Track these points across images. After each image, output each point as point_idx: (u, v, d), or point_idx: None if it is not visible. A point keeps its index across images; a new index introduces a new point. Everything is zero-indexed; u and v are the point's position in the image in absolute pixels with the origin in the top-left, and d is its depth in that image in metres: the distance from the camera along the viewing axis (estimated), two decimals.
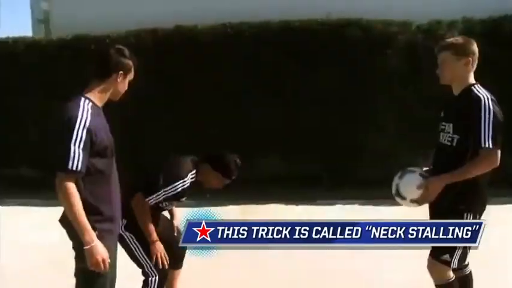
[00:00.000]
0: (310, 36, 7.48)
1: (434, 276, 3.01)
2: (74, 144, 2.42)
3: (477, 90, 2.90)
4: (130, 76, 2.72)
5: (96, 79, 2.63)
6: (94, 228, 2.50)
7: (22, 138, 8.49)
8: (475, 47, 2.96)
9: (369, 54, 7.36)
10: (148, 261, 3.28)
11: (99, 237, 2.51)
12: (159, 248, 3.25)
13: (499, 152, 2.80)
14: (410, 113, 7.35)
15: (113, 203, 2.67)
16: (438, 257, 2.94)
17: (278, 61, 7.55)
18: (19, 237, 5.64)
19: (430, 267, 3.00)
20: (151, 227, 3.25)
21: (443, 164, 2.95)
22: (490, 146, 2.75)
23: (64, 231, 2.64)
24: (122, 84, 2.68)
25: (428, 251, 3.03)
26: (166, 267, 3.31)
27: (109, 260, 2.55)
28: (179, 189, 3.28)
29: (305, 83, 7.56)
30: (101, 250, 2.50)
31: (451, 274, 2.98)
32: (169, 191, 3.27)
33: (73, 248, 2.61)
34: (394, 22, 7.48)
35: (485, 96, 2.84)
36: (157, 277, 3.30)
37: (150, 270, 3.30)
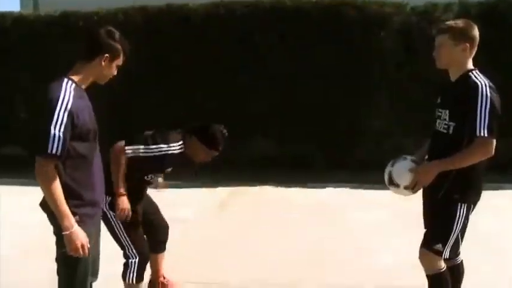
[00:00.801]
0: (304, 16, 7.35)
1: (425, 265, 2.94)
2: (54, 128, 2.31)
3: (475, 77, 2.77)
4: (119, 61, 2.56)
5: (81, 60, 2.50)
6: (74, 213, 2.42)
7: (11, 117, 8.34)
8: (475, 32, 2.81)
9: (364, 34, 7.26)
10: (130, 243, 3.21)
11: (80, 222, 2.44)
12: (123, 203, 3.12)
13: (495, 141, 2.69)
14: (405, 95, 7.28)
15: (95, 187, 2.58)
16: (431, 246, 2.86)
17: (269, 40, 7.42)
18: (3, 218, 5.54)
19: (421, 257, 2.93)
20: (122, 179, 3.12)
21: (439, 152, 2.85)
22: (486, 134, 2.64)
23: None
24: (108, 68, 2.53)
25: None
26: (129, 219, 3.17)
27: (89, 246, 2.48)
28: (163, 153, 3.14)
29: (298, 66, 7.44)
30: (80, 236, 2.42)
31: (442, 264, 2.91)
32: (153, 150, 3.13)
33: (54, 233, 2.53)
34: (389, 3, 7.36)
35: (483, 83, 2.71)
36: (137, 259, 3.23)
37: (130, 252, 3.23)
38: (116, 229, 3.20)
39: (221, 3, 7.56)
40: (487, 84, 2.72)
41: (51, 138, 2.31)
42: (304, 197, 6.46)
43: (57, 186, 2.37)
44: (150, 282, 3.67)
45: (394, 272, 4.06)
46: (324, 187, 6.81)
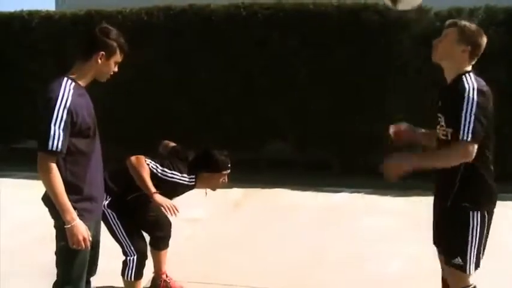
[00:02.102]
0: (326, 19, 7.30)
1: (450, 283, 2.83)
2: (55, 125, 2.41)
3: (465, 80, 2.66)
4: (116, 58, 2.64)
5: (80, 59, 2.59)
6: (73, 208, 2.50)
7: (33, 113, 8.49)
8: (481, 40, 2.73)
9: (385, 39, 7.17)
10: (128, 241, 3.26)
11: (79, 216, 2.52)
12: (162, 198, 3.14)
13: (476, 146, 2.58)
14: (424, 101, 7.14)
15: (94, 182, 2.66)
16: (450, 261, 2.74)
17: (289, 43, 7.41)
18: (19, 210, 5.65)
19: (447, 275, 2.84)
20: (149, 181, 3.16)
21: None
22: (468, 139, 2.54)
23: None
24: (105, 65, 2.60)
25: None
26: (175, 215, 3.21)
27: (90, 239, 2.56)
28: (174, 181, 3.23)
29: (318, 69, 7.40)
30: (81, 229, 2.51)
31: (470, 281, 2.74)
32: (167, 174, 3.22)
33: (54, 226, 2.62)
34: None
35: (471, 87, 2.60)
36: (135, 256, 3.28)
37: (128, 249, 3.28)
38: (114, 228, 3.25)
39: (242, 5, 7.57)
40: (475, 88, 2.61)
41: (51, 135, 2.41)
42: (317, 201, 6.42)
43: (59, 181, 2.46)
44: (153, 279, 3.71)
45: (398, 281, 4.02)
46: (339, 192, 6.74)
